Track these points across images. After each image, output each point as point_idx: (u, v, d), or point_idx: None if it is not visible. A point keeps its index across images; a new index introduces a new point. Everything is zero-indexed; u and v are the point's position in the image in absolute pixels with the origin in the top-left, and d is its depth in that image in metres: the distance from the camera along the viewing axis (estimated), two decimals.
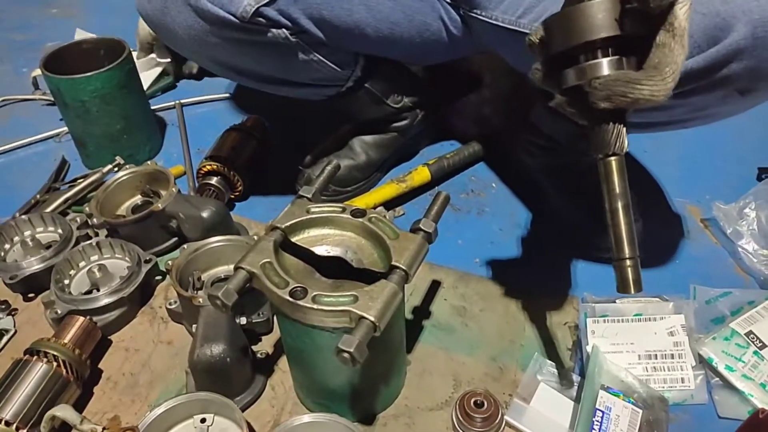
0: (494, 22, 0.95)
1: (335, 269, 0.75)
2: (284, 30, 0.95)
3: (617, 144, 0.64)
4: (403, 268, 0.70)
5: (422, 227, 0.75)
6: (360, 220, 0.76)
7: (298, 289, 0.68)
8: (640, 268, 0.64)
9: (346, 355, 0.61)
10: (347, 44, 1.04)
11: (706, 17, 0.70)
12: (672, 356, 0.87)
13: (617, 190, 0.64)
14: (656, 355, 0.87)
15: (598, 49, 0.61)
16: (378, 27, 1.00)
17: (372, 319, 0.64)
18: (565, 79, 0.65)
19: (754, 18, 0.67)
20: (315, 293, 0.67)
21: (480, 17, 0.96)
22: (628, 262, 0.64)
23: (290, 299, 0.67)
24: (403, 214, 1.18)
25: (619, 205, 0.64)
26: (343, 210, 0.78)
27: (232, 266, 0.98)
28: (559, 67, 0.65)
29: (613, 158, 0.64)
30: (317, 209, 0.79)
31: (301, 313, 0.67)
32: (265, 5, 0.91)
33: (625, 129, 0.64)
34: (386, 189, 1.17)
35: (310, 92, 1.13)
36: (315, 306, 0.66)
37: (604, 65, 0.61)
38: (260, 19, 0.92)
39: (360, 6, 0.96)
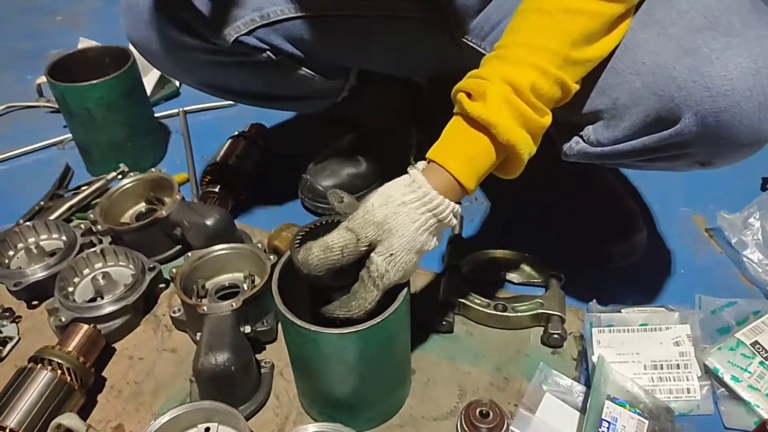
0: (483, 51, 0.94)
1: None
2: (267, 52, 0.98)
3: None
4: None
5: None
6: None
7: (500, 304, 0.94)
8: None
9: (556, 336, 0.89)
10: (332, 61, 1.05)
11: (662, 99, 0.70)
12: (678, 366, 0.87)
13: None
14: (662, 365, 0.87)
15: None
16: (358, 45, 1.01)
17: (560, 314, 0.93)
18: None
19: (704, 108, 0.66)
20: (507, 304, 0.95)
21: (471, 44, 0.95)
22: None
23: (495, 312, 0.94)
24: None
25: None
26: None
27: (236, 274, 1.00)
28: None
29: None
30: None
31: (493, 321, 0.95)
32: (244, 35, 0.94)
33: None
34: None
35: (306, 105, 1.15)
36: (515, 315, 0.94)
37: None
38: (241, 46, 0.95)
39: None
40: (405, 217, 0.68)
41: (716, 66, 0.66)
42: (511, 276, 1.04)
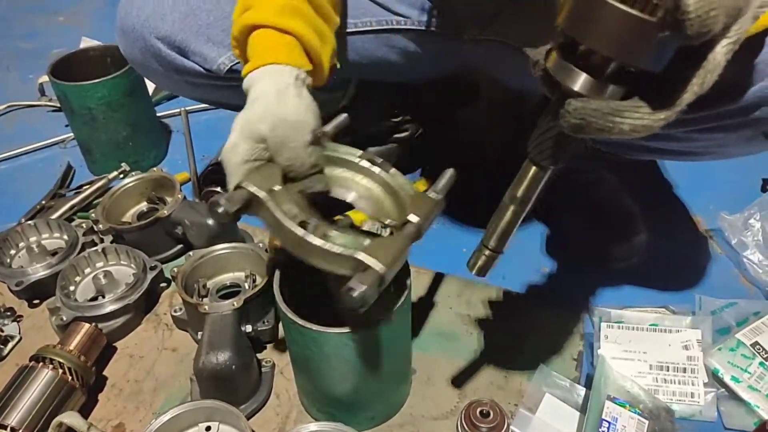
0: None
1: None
2: None
3: (550, 158, 0.60)
4: (417, 223, 0.64)
5: (430, 196, 0.70)
6: (378, 168, 0.72)
7: (309, 223, 0.63)
8: (494, 262, 0.69)
9: (354, 293, 0.56)
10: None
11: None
12: (684, 370, 0.87)
13: (519, 194, 0.63)
14: (668, 367, 0.87)
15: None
16: (355, 57, 1.01)
17: (379, 269, 0.59)
18: (570, 78, 0.53)
19: None
20: (326, 231, 0.63)
21: (492, 39, 0.95)
22: (487, 251, 0.67)
23: (298, 233, 0.62)
24: None
25: (512, 206, 0.64)
26: (361, 156, 0.74)
27: (237, 273, 1.00)
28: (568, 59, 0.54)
29: (535, 167, 0.62)
30: (333, 147, 0.74)
31: (305, 251, 0.62)
32: (238, 63, 0.93)
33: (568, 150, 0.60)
34: None
35: None
36: (325, 246, 0.61)
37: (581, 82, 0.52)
38: (236, 73, 0.94)
39: None
40: None
41: None
42: (352, 197, 0.73)
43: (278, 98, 0.68)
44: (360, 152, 0.74)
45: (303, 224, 0.63)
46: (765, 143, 0.76)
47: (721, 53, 0.49)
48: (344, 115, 0.79)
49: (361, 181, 0.73)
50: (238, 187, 0.67)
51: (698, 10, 0.43)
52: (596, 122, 0.51)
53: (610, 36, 0.47)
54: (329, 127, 0.75)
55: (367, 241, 0.62)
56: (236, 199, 0.65)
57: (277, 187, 0.66)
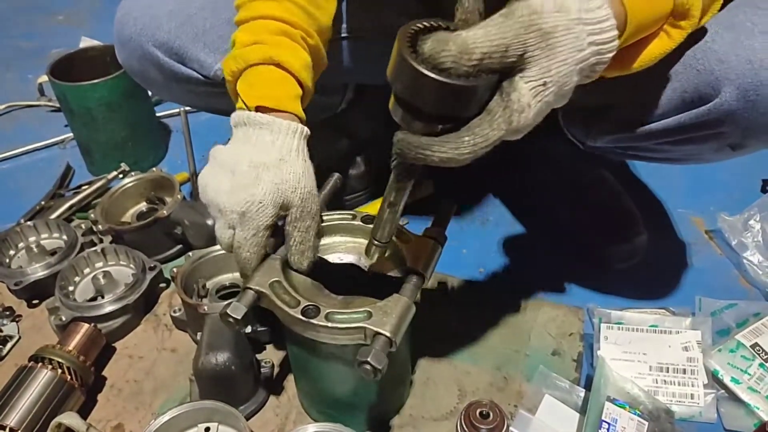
0: None
1: (346, 282, 0.74)
2: None
3: (404, 173, 0.64)
4: (420, 272, 0.70)
5: (432, 234, 0.75)
6: (371, 226, 0.75)
7: (310, 307, 0.67)
8: (384, 252, 0.72)
9: (368, 367, 0.62)
10: (330, 82, 1.05)
11: (701, 74, 0.69)
12: (684, 371, 0.86)
13: (391, 200, 0.67)
14: (668, 368, 0.87)
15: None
16: (351, 62, 1.01)
17: (387, 334, 0.64)
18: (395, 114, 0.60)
19: (746, 81, 0.66)
20: (328, 311, 0.67)
21: None
22: (376, 242, 0.70)
23: (303, 318, 0.66)
24: (407, 222, 1.18)
25: (387, 209, 0.68)
26: (354, 217, 0.79)
27: (237, 274, 1.00)
28: None
29: (396, 179, 0.65)
30: (327, 217, 0.79)
31: (314, 332, 0.67)
32: None
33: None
34: None
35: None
36: (329, 324, 0.66)
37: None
38: None
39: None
40: (574, 39, 0.52)
41: (759, 39, 0.65)
42: (352, 259, 0.78)
43: (305, 169, 0.71)
44: (351, 213, 0.80)
45: (307, 309, 0.67)
46: (733, 153, 0.78)
47: (527, 95, 0.52)
48: (336, 175, 0.85)
49: (358, 240, 0.79)
50: (245, 288, 0.70)
51: (432, 51, 0.51)
52: (410, 153, 0.56)
53: (404, 84, 0.54)
54: (326, 192, 0.82)
55: (365, 311, 0.66)
56: (245, 301, 0.69)
57: (277, 279, 0.71)
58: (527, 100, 0.52)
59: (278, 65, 0.74)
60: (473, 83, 0.52)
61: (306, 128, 0.73)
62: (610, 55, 0.55)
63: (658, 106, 0.74)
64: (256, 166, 0.69)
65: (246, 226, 0.69)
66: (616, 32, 0.54)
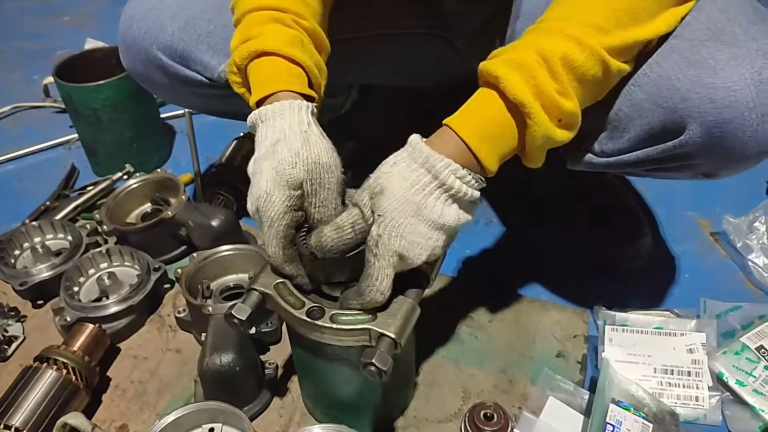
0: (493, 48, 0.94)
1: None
2: None
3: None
4: (425, 273, 0.70)
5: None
6: None
7: (315, 308, 0.67)
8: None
9: (373, 368, 0.63)
10: (334, 82, 1.05)
11: (666, 111, 0.69)
12: (689, 373, 0.86)
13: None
14: (672, 370, 0.87)
15: None
16: (356, 63, 1.00)
17: (392, 336, 0.64)
18: None
19: (709, 120, 0.66)
20: (332, 312, 0.67)
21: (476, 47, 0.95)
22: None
23: (307, 320, 0.66)
24: None
25: None
26: None
27: (241, 275, 1.00)
28: None
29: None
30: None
31: (318, 333, 0.67)
32: None
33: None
34: None
35: None
36: (334, 325, 0.66)
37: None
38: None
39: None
40: (396, 175, 0.64)
41: (720, 77, 0.65)
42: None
43: (305, 140, 0.68)
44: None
45: (312, 310, 0.68)
46: (708, 179, 0.78)
47: (376, 268, 0.64)
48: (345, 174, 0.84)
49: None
50: (249, 289, 0.71)
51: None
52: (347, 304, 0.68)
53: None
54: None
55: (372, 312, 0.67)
56: (249, 302, 0.70)
57: (282, 280, 0.71)
58: (375, 233, 0.64)
59: (261, 54, 0.73)
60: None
61: (305, 101, 0.71)
62: (452, 168, 0.64)
63: (627, 140, 0.75)
64: (258, 161, 0.69)
65: (264, 223, 0.68)
66: (438, 155, 0.64)
